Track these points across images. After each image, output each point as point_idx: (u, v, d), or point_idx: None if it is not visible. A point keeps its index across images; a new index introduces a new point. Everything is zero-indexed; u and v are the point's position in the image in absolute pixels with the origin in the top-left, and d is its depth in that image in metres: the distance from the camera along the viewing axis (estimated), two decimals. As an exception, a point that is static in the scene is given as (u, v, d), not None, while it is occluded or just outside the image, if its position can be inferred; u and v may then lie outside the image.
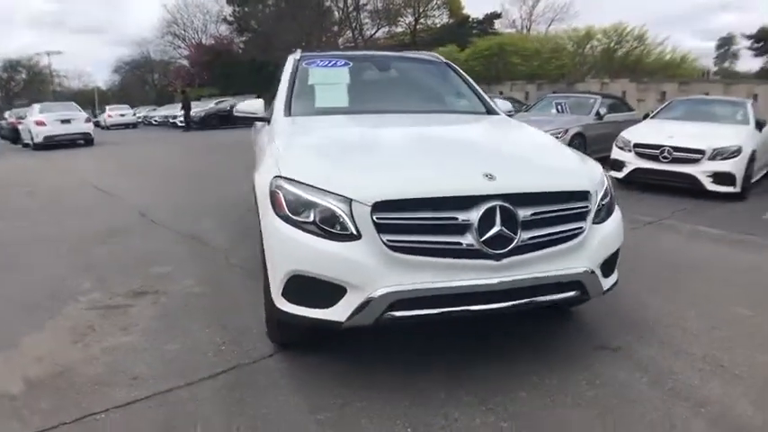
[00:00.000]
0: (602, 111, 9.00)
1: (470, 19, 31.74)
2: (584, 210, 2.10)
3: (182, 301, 3.04)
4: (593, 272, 2.09)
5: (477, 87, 3.66)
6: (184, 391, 2.10)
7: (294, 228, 1.97)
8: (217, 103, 21.44)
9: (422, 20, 30.02)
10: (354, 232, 1.89)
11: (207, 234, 4.57)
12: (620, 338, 2.50)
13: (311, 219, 1.96)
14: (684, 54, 18.80)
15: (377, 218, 1.87)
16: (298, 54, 3.58)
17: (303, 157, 2.28)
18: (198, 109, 21.07)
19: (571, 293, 2.09)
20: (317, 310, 1.98)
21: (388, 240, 1.87)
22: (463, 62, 16.41)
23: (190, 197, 6.36)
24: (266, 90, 4.62)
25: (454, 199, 1.90)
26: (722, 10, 39.34)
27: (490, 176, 1.96)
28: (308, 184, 2.00)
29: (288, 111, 2.99)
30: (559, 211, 2.03)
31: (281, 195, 2.04)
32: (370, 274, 1.88)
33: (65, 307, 2.97)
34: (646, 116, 8.97)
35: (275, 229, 2.03)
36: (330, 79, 3.34)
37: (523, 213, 1.93)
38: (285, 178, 2.06)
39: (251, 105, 3.16)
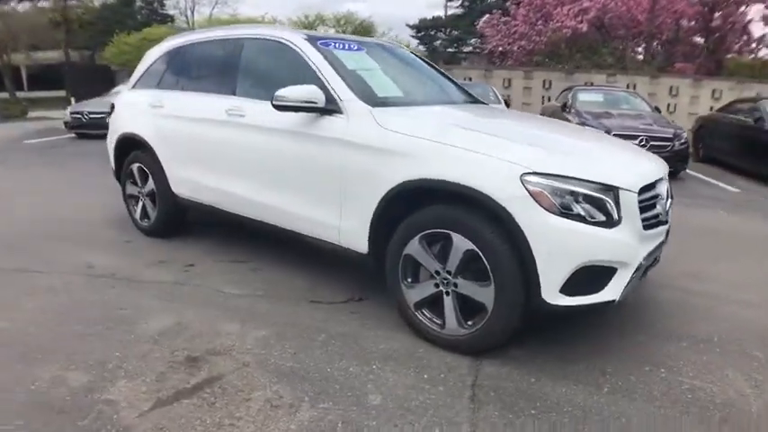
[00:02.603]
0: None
1: (138, -1, 29.32)
2: None
3: (276, 353, 2.32)
4: None
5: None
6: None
7: (572, 221, 1.97)
8: None
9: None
10: (616, 217, 2.05)
11: (123, 266, 3.34)
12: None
13: (575, 210, 2.00)
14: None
15: (639, 201, 2.09)
16: (301, 33, 2.99)
17: (532, 149, 2.17)
18: None
19: None
20: (591, 296, 2.05)
21: (642, 219, 2.13)
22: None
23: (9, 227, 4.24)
24: None
25: (655, 181, 2.32)
26: (349, 0, 48.26)
27: (654, 161, 2.44)
28: (566, 176, 2.00)
29: (365, 100, 2.58)
30: None
31: (544, 191, 1.97)
32: (635, 251, 2.11)
33: (117, 419, 1.86)
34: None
35: (553, 226, 1.96)
36: (362, 65, 2.97)
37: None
38: (542, 174, 1.99)
39: (305, 92, 2.51)
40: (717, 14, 12.06)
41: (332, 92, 2.60)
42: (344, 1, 46.27)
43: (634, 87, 11.21)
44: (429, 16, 32.33)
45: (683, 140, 7.13)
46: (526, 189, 1.99)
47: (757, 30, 12.40)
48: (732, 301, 3.04)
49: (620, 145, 2.77)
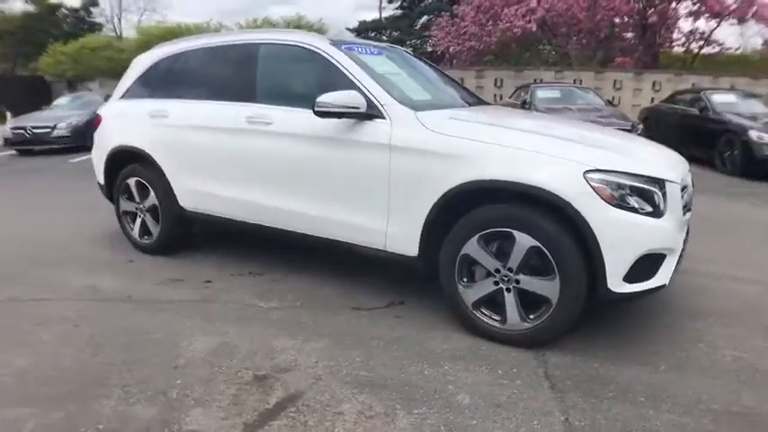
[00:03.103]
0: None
1: (63, 7, 27.88)
2: None
3: (344, 363, 2.28)
4: None
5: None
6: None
7: (630, 213, 2.11)
8: None
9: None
10: (662, 207, 2.20)
11: (134, 287, 3.18)
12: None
13: (630, 203, 2.13)
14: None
15: (681, 191, 2.26)
16: (324, 37, 2.95)
17: (588, 148, 2.27)
18: None
19: None
20: (646, 282, 2.19)
21: (683, 208, 2.30)
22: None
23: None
24: None
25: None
26: (274, 4, 49.19)
27: (677, 154, 2.64)
28: (623, 172, 2.14)
29: (404, 104, 2.59)
30: None
31: (605, 187, 2.09)
32: (678, 237, 2.29)
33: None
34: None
35: (616, 219, 2.09)
36: (387, 69, 2.98)
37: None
38: (603, 170, 2.11)
39: (348, 98, 2.49)
40: (651, 11, 13.07)
41: (371, 97, 2.59)
42: (267, 5, 46.14)
43: (580, 82, 11.88)
44: (358, 19, 32.45)
45: (639, 132, 7.64)
46: (590, 185, 2.10)
47: (687, 25, 13.67)
48: (734, 280, 3.30)
49: (646, 142, 2.95)
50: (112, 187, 3.87)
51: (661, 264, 2.23)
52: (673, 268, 2.27)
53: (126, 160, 3.70)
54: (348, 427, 1.85)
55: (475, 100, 3.65)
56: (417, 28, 26.40)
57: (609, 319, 2.71)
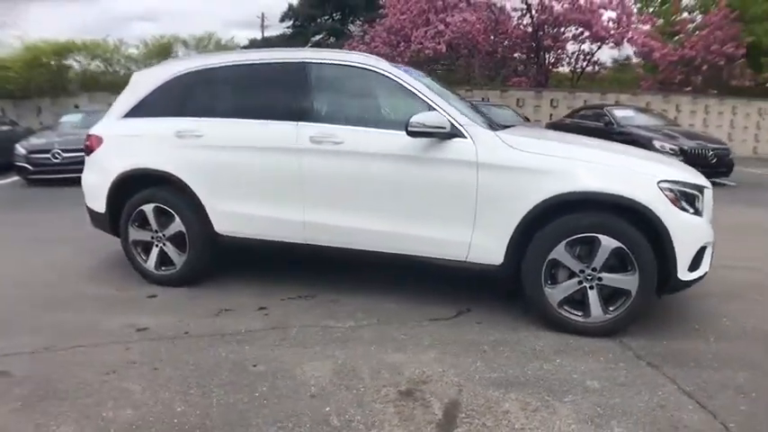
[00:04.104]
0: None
1: None
2: None
3: (471, 369, 2.43)
4: None
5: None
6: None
7: (687, 214, 2.62)
8: None
9: None
10: (701, 208, 2.74)
11: (185, 322, 2.99)
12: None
13: (685, 206, 2.65)
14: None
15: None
16: (384, 61, 3.05)
17: (650, 162, 2.74)
18: None
19: None
20: (698, 270, 2.71)
21: None
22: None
23: None
24: None
25: None
26: (135, 20, 47.79)
27: None
28: (680, 181, 2.66)
29: (480, 125, 2.86)
30: None
31: (672, 194, 2.58)
32: (711, 232, 2.83)
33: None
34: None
35: (683, 220, 2.59)
36: (440, 91, 3.17)
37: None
38: (669, 180, 2.61)
39: (437, 119, 2.69)
40: (541, 34, 14.93)
41: (449, 118, 2.80)
42: (129, 21, 44.45)
43: (488, 100, 13.09)
44: (229, 36, 31.73)
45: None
46: (663, 193, 2.56)
47: (573, 47, 15.96)
48: (719, 267, 3.95)
49: (661, 155, 3.55)
50: (116, 216, 3.49)
51: (704, 255, 2.77)
52: (710, 258, 2.82)
53: (141, 185, 3.38)
54: (524, 422, 2.03)
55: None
56: (311, 47, 26.57)
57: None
